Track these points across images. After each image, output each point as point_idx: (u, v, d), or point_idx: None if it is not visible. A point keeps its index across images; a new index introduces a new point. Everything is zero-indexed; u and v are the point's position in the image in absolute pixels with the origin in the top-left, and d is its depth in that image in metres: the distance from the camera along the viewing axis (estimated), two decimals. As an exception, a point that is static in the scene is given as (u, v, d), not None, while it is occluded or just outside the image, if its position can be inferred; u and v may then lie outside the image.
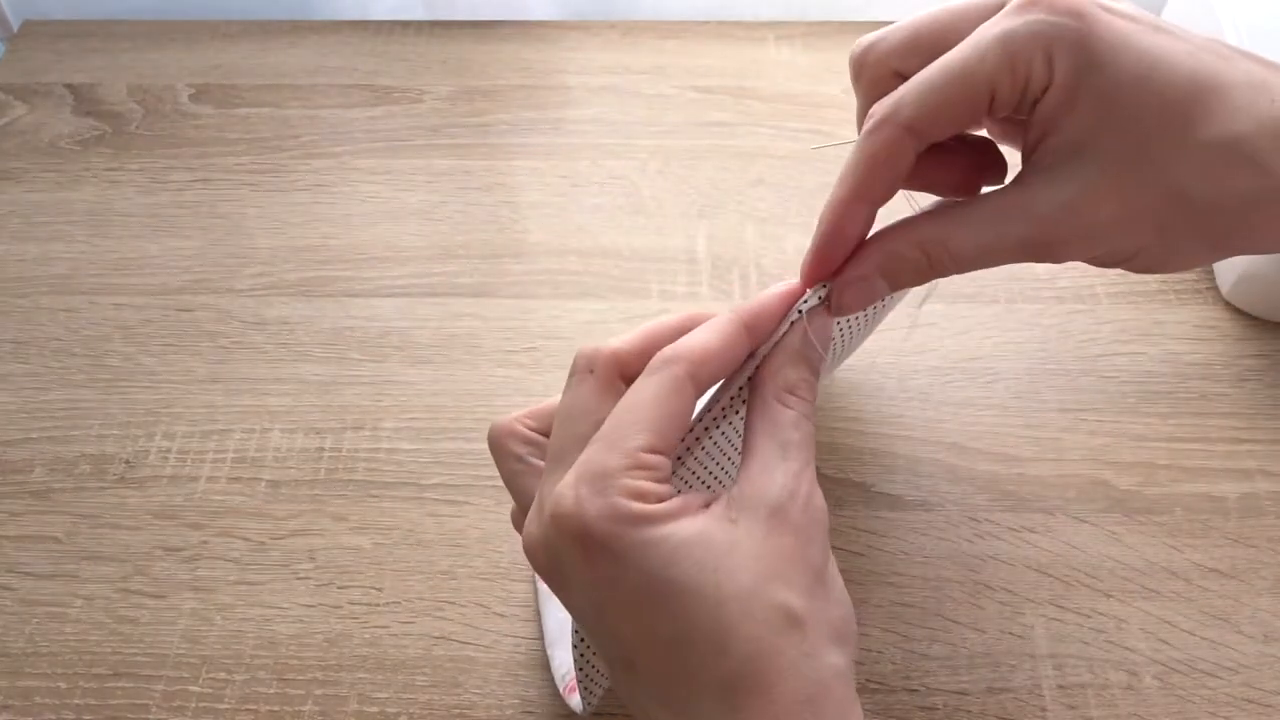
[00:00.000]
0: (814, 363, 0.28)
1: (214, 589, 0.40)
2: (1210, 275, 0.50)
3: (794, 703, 0.24)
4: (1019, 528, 0.41)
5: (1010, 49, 0.25)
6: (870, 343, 0.47)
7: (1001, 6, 0.26)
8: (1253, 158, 0.24)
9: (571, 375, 0.28)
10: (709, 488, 0.30)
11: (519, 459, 0.30)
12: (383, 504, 0.42)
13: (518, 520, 0.32)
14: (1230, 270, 0.48)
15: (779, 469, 0.26)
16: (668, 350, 0.26)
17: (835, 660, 0.25)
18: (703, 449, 0.29)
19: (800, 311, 0.28)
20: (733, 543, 0.25)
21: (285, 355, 0.48)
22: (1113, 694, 0.36)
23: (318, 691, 0.37)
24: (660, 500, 0.25)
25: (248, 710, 0.36)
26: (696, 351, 0.26)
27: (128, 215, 0.55)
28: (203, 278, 0.51)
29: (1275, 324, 0.48)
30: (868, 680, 0.37)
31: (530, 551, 0.26)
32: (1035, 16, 0.25)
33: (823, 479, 0.42)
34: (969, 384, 0.46)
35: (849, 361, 0.46)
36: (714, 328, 0.27)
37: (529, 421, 0.30)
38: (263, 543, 0.41)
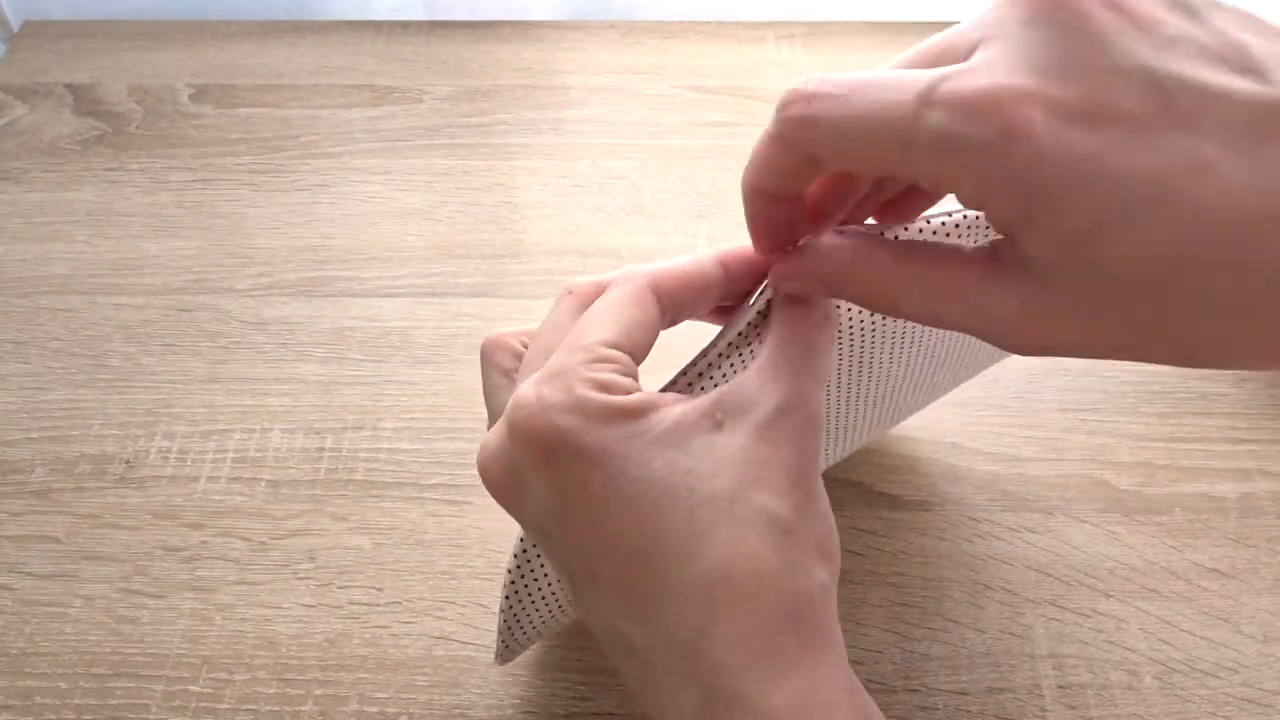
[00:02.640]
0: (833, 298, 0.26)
1: (214, 589, 0.40)
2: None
3: (775, 614, 0.22)
4: (1019, 528, 0.41)
5: (938, 161, 0.20)
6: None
7: (970, 52, 0.21)
8: (1271, 320, 0.19)
9: (554, 304, 0.27)
10: None
11: (504, 372, 0.28)
12: (383, 504, 0.42)
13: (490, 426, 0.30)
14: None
15: (785, 379, 0.24)
16: (632, 266, 0.26)
17: (821, 576, 0.23)
18: (712, 379, 0.27)
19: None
20: (710, 444, 0.23)
21: (285, 355, 0.48)
22: (1113, 694, 0.36)
23: (318, 691, 0.37)
24: (627, 393, 0.23)
25: (248, 710, 0.36)
26: (660, 267, 0.26)
27: (128, 215, 0.55)
28: (203, 278, 0.51)
29: (1275, 324, 0.48)
30: (868, 680, 0.37)
31: (485, 466, 0.25)
32: (978, 137, 0.20)
33: (823, 479, 0.42)
34: (969, 384, 0.46)
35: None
36: (686, 256, 0.27)
37: (524, 339, 0.29)
38: (263, 543, 0.41)
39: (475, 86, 0.62)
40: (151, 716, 0.36)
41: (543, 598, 0.31)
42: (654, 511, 0.22)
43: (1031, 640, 0.38)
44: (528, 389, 0.24)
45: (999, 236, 0.22)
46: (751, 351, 0.26)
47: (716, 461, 0.23)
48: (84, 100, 0.61)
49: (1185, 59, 0.19)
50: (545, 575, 0.30)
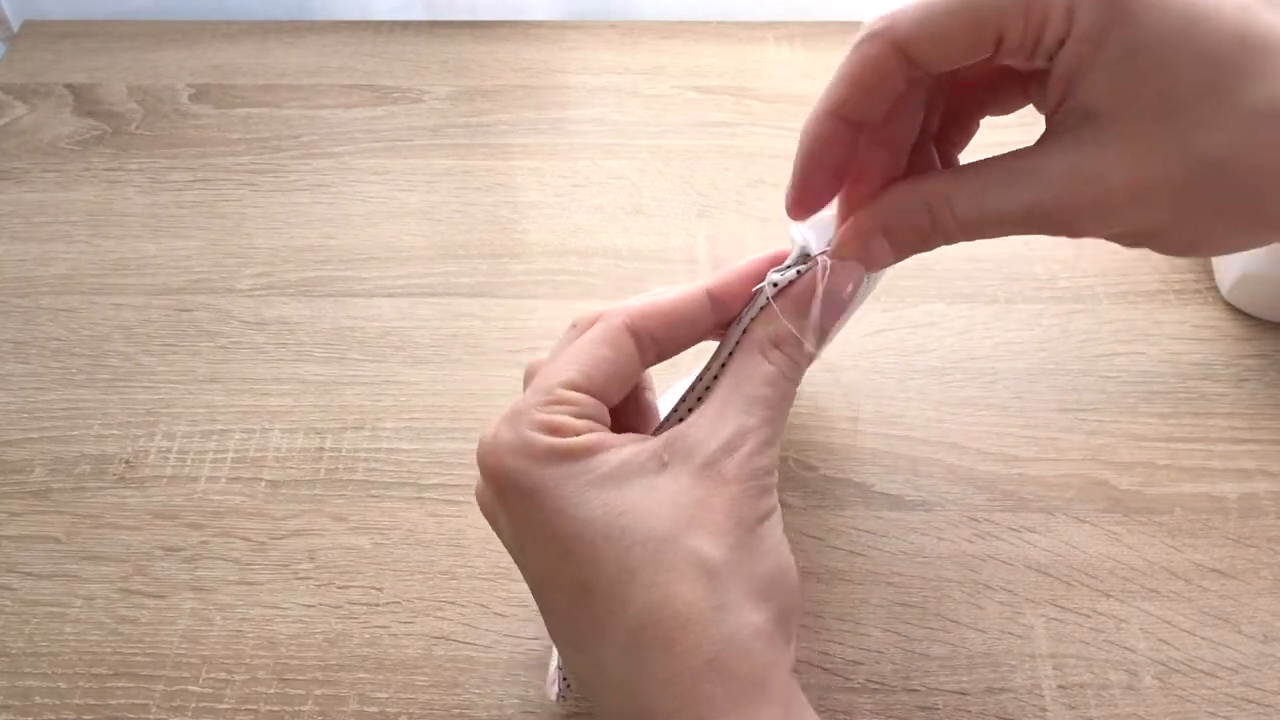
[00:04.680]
0: (813, 323, 0.26)
1: (214, 589, 0.40)
2: (1210, 275, 0.50)
3: (698, 660, 0.22)
4: (1019, 528, 0.41)
5: None
6: (870, 343, 0.47)
7: None
8: None
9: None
10: None
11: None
12: (383, 504, 0.42)
13: None
14: (1230, 270, 0.47)
15: (733, 421, 0.24)
16: (614, 306, 0.26)
17: (753, 618, 0.22)
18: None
19: (775, 285, 0.26)
20: (651, 485, 0.23)
21: (285, 355, 0.48)
22: (1113, 694, 0.36)
23: (318, 691, 0.37)
24: (576, 434, 0.24)
25: (248, 710, 0.36)
26: (642, 306, 0.26)
27: (128, 215, 0.55)
28: (203, 278, 0.51)
29: (1275, 324, 0.48)
30: (868, 680, 0.37)
31: (476, 494, 0.26)
32: None
33: (823, 479, 0.42)
34: (969, 384, 0.46)
35: (827, 354, 0.46)
36: (675, 289, 0.27)
37: None
38: (263, 543, 0.41)
39: (475, 86, 0.62)
40: (151, 716, 0.36)
41: None
42: (589, 552, 0.23)
43: (1031, 640, 0.38)
44: (489, 427, 0.25)
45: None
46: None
47: (655, 503, 0.23)
48: (84, 100, 0.61)
49: None
50: None
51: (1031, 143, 0.25)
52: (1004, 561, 0.40)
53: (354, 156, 0.58)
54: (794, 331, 0.25)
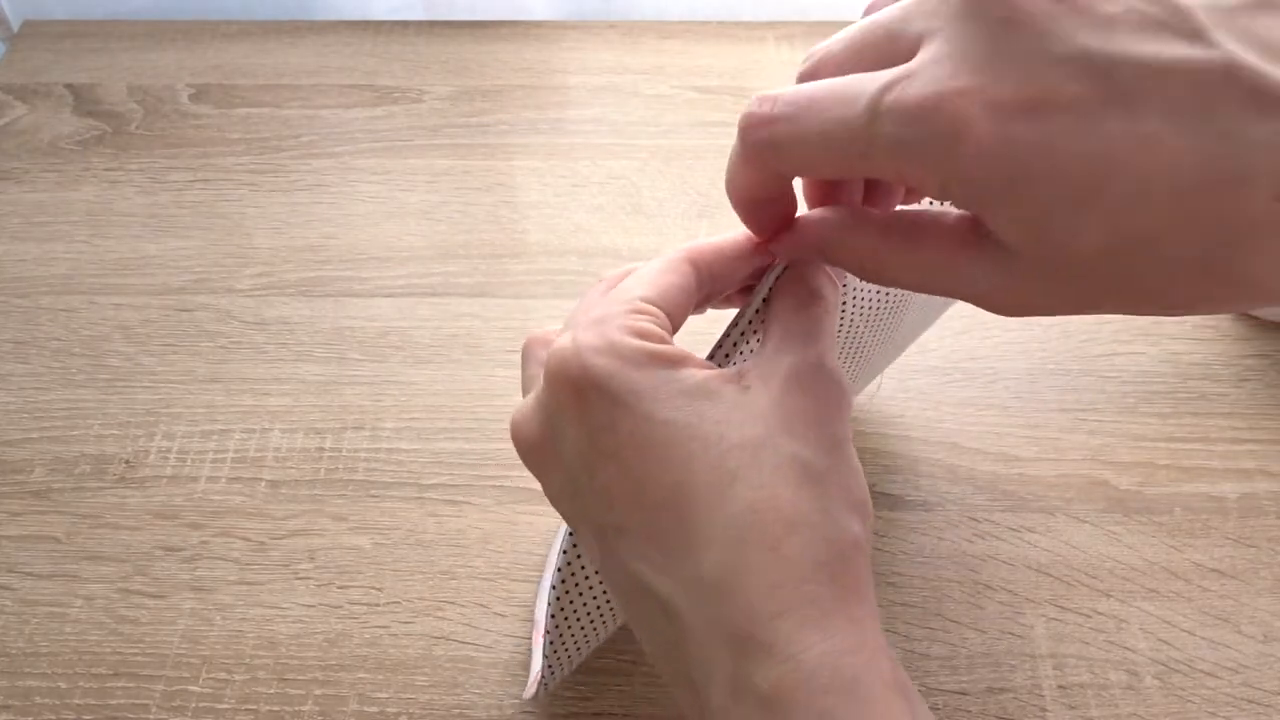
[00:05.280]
0: (836, 278, 0.27)
1: (214, 589, 0.40)
2: (1210, 275, 0.50)
3: (804, 562, 0.21)
4: (1019, 528, 0.41)
5: (896, 165, 0.21)
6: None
7: (913, 49, 0.22)
8: (1227, 275, 0.20)
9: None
10: None
11: (540, 362, 0.28)
12: (383, 504, 0.42)
13: None
14: (1230, 270, 0.47)
15: (799, 347, 0.24)
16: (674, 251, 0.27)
17: (855, 528, 0.22)
18: (733, 361, 0.27)
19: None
20: (740, 399, 0.23)
21: (285, 355, 0.48)
22: (1113, 694, 0.36)
23: (318, 691, 0.37)
24: (663, 342, 0.24)
25: (248, 710, 0.36)
26: (699, 244, 0.26)
27: (128, 215, 0.55)
28: (203, 278, 0.51)
29: (1275, 324, 0.48)
30: (868, 680, 0.37)
31: (518, 426, 0.25)
32: (927, 139, 0.20)
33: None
34: (969, 384, 0.46)
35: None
36: (721, 234, 0.27)
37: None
38: (263, 543, 0.41)
39: (475, 86, 0.62)
40: (151, 716, 0.36)
41: (588, 614, 0.31)
42: (683, 456, 0.22)
43: (1031, 640, 0.38)
44: (565, 338, 0.24)
45: None
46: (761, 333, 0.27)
47: (746, 413, 0.23)
48: (84, 100, 0.61)
49: (1125, 34, 0.19)
50: (590, 589, 0.31)
51: None
52: (1004, 561, 0.40)
53: (354, 156, 0.58)
54: (828, 283, 0.26)
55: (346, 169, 0.57)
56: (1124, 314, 0.23)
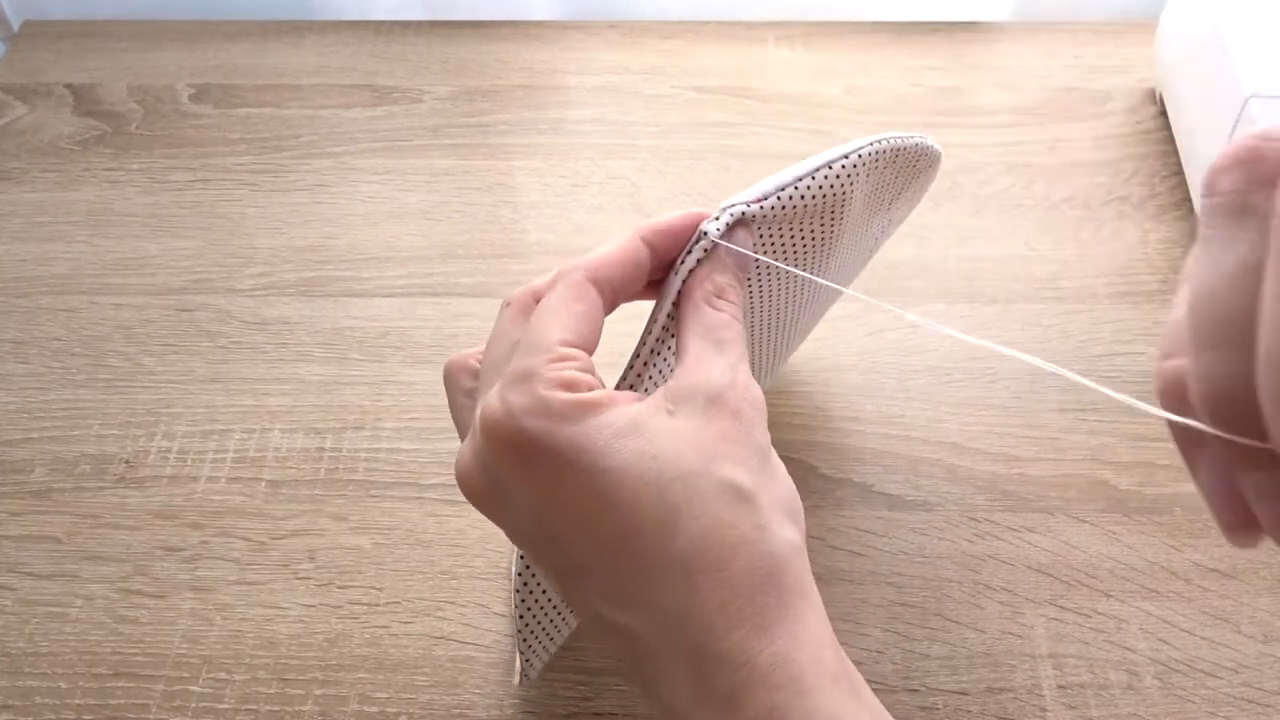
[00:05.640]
0: (740, 271, 0.28)
1: (214, 589, 0.40)
2: (1210, 275, 0.50)
3: (752, 576, 0.23)
4: (1019, 528, 0.41)
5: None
6: (870, 343, 0.47)
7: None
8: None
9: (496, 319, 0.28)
10: None
11: (465, 392, 0.29)
12: (383, 504, 0.42)
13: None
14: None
15: (715, 362, 0.26)
16: (564, 265, 0.27)
17: (790, 534, 0.24)
18: (649, 378, 0.29)
19: (704, 231, 0.28)
20: (670, 429, 0.24)
21: (285, 355, 0.48)
22: (1113, 694, 0.36)
23: (318, 691, 0.37)
24: (590, 389, 0.25)
25: (248, 710, 0.36)
26: (592, 258, 0.27)
27: (128, 215, 0.55)
28: (203, 278, 0.51)
29: (1275, 324, 0.48)
30: (868, 680, 0.37)
31: (464, 478, 0.26)
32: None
33: (823, 479, 0.42)
34: (969, 384, 0.46)
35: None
36: (611, 241, 0.28)
37: (480, 357, 0.30)
38: (263, 543, 0.41)
39: (475, 86, 0.62)
40: (151, 716, 0.36)
41: (554, 607, 0.32)
42: (629, 498, 0.23)
43: (1031, 640, 0.38)
44: (493, 398, 0.25)
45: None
46: (675, 343, 0.28)
47: (679, 443, 0.24)
48: (84, 100, 0.61)
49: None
50: (549, 599, 0.31)
51: None
52: (1004, 561, 0.40)
53: (354, 156, 0.58)
54: (730, 283, 0.27)
55: (346, 169, 0.57)
56: None
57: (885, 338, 0.47)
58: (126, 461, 0.44)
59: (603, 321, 0.27)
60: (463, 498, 0.42)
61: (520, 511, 0.25)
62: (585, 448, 0.24)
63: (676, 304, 0.28)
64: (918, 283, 0.50)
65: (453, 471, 0.43)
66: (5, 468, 0.44)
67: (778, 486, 0.25)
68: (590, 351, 0.26)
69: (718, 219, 0.28)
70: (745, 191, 0.29)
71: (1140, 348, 0.47)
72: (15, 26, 0.67)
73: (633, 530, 0.23)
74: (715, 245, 0.27)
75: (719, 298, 0.27)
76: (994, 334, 0.48)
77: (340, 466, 0.44)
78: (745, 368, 0.26)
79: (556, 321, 0.26)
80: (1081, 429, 0.44)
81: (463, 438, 0.29)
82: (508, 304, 0.28)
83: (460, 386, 0.30)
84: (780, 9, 0.67)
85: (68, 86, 0.62)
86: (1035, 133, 0.57)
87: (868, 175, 0.31)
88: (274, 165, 0.57)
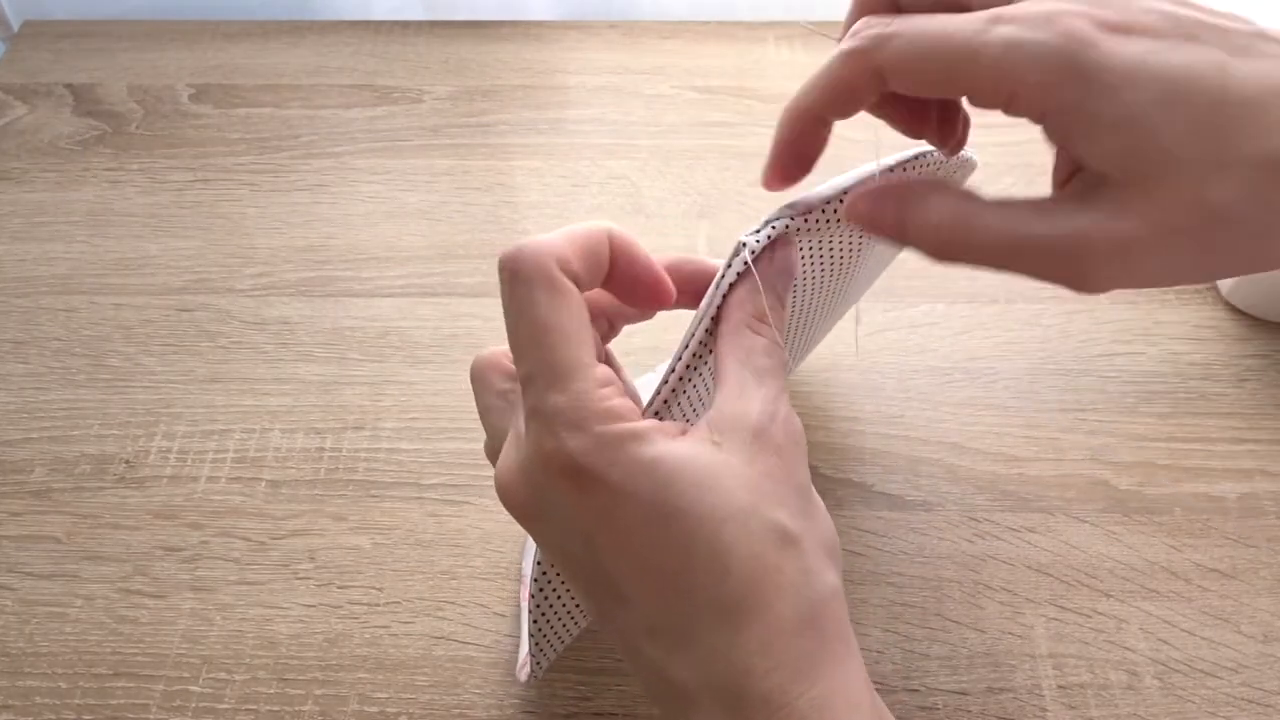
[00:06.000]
0: (780, 291, 0.27)
1: (214, 589, 0.40)
2: (1210, 275, 0.50)
3: (795, 620, 0.23)
4: (1019, 528, 0.41)
5: (1006, 64, 0.24)
6: (870, 343, 0.47)
7: None
8: None
9: (518, 284, 0.25)
10: None
11: (498, 393, 0.29)
12: (383, 504, 0.42)
13: (492, 453, 0.30)
14: (1230, 270, 0.47)
15: (755, 394, 0.25)
16: (525, 250, 0.25)
17: (832, 579, 0.24)
18: (685, 394, 0.28)
19: (743, 243, 0.27)
20: (720, 464, 0.24)
21: (285, 355, 0.48)
22: (1113, 694, 0.36)
23: (318, 691, 0.37)
24: (634, 415, 0.24)
25: (248, 710, 0.36)
26: (554, 243, 0.26)
27: (128, 215, 0.55)
28: (203, 278, 0.51)
29: (1275, 324, 0.48)
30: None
31: (508, 490, 0.26)
32: (1043, 38, 0.23)
33: (822, 479, 0.42)
34: (969, 384, 0.46)
35: (825, 351, 0.46)
36: (571, 227, 0.27)
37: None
38: (263, 543, 0.41)
39: (475, 86, 0.62)
40: (151, 716, 0.36)
41: (566, 611, 0.32)
42: (683, 538, 0.23)
43: (1031, 640, 0.38)
44: (542, 430, 0.24)
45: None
46: (710, 368, 0.27)
47: (729, 480, 0.24)
48: (84, 100, 0.61)
49: (1189, 9, 0.24)
50: (564, 600, 0.31)
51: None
52: (1004, 561, 0.40)
53: (354, 156, 0.58)
54: (771, 305, 0.27)
55: (346, 169, 0.57)
56: (1210, 252, 0.24)
57: (885, 338, 0.47)
58: (126, 461, 0.44)
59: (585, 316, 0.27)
60: (462, 498, 0.42)
61: (568, 534, 0.25)
62: (643, 480, 0.24)
63: (715, 319, 0.27)
64: (918, 282, 0.50)
65: (452, 472, 0.43)
66: (5, 468, 0.44)
67: (819, 528, 0.25)
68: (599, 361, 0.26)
69: (758, 231, 0.27)
70: (787, 204, 0.28)
71: (1140, 348, 0.47)
72: (15, 26, 0.67)
73: (683, 564, 0.23)
74: (754, 262, 0.27)
75: (761, 320, 0.27)
76: (994, 334, 0.48)
77: (340, 466, 0.44)
78: (786, 399, 0.26)
79: (578, 338, 0.25)
80: (1081, 429, 0.44)
81: (492, 438, 0.29)
82: (514, 275, 0.25)
83: (491, 387, 0.29)
84: (780, 9, 0.67)
85: (68, 86, 0.62)
86: (1036, 132, 0.57)
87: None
88: (274, 165, 0.57)
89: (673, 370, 0.27)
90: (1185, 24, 0.24)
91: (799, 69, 0.62)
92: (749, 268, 0.27)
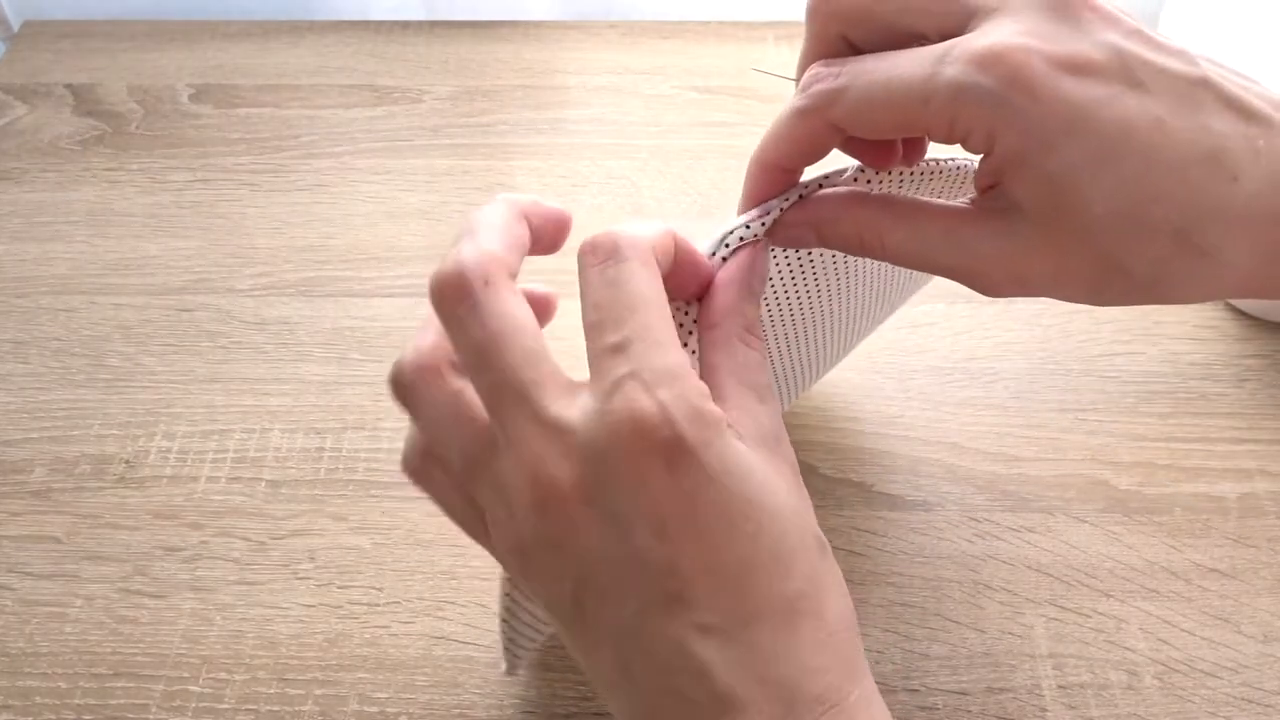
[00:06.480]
0: (759, 297, 0.27)
1: (214, 589, 0.40)
2: (1210, 275, 0.50)
3: (842, 623, 0.24)
4: (1019, 528, 0.41)
5: (955, 109, 0.24)
6: (870, 343, 0.47)
7: (967, 17, 0.25)
8: (1198, 245, 0.24)
9: (463, 300, 0.24)
10: None
11: (454, 393, 0.25)
12: (383, 504, 0.42)
13: (446, 451, 0.26)
14: (1230, 270, 0.47)
15: (760, 410, 0.25)
16: (623, 237, 0.24)
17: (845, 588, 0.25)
18: None
19: (727, 244, 0.27)
20: (771, 466, 0.24)
21: (285, 355, 0.48)
22: (1113, 694, 0.36)
23: (318, 691, 0.37)
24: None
25: (248, 710, 0.36)
26: (647, 237, 0.25)
27: (128, 215, 0.55)
28: (203, 278, 0.51)
29: (1275, 324, 0.48)
30: (868, 680, 0.37)
31: (563, 481, 0.23)
32: (989, 84, 0.23)
33: (822, 479, 0.42)
34: (969, 384, 0.46)
35: (848, 362, 0.46)
36: (638, 224, 0.26)
37: (451, 353, 0.26)
38: (263, 543, 0.41)
39: (475, 86, 0.62)
40: (151, 716, 0.36)
41: (533, 616, 0.32)
42: (752, 530, 0.23)
43: (1031, 640, 0.38)
44: (640, 395, 0.22)
45: (969, 196, 0.27)
46: (697, 362, 0.27)
47: (782, 485, 0.24)
48: (84, 100, 0.61)
49: (1138, 43, 0.24)
50: (533, 615, 0.31)
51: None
52: (1004, 561, 0.40)
53: (354, 156, 0.58)
54: (758, 316, 0.27)
55: (346, 169, 0.57)
56: (1100, 294, 0.26)
57: (885, 337, 0.47)
58: (126, 461, 0.44)
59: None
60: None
61: (634, 521, 0.23)
62: (732, 468, 0.23)
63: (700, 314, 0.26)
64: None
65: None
66: (5, 468, 0.44)
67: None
68: None
69: (735, 231, 0.27)
70: (759, 207, 0.28)
71: (1140, 347, 0.47)
72: (15, 26, 0.67)
73: (751, 561, 0.23)
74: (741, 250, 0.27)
75: (750, 333, 0.26)
76: (994, 334, 0.48)
77: (340, 466, 0.44)
78: (780, 417, 0.26)
79: (668, 317, 0.24)
80: (1081, 429, 0.44)
81: (455, 439, 0.25)
82: (485, 283, 0.24)
83: (446, 388, 0.26)
84: (780, 9, 0.67)
85: (68, 86, 0.62)
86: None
87: (916, 189, 0.30)
88: (274, 165, 0.57)
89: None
90: (1132, 65, 0.24)
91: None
92: (732, 250, 0.27)
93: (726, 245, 0.27)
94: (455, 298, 0.24)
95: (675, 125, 0.59)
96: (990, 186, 0.25)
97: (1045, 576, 0.40)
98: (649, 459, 0.22)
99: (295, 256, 0.52)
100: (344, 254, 0.52)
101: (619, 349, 0.23)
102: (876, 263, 0.33)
